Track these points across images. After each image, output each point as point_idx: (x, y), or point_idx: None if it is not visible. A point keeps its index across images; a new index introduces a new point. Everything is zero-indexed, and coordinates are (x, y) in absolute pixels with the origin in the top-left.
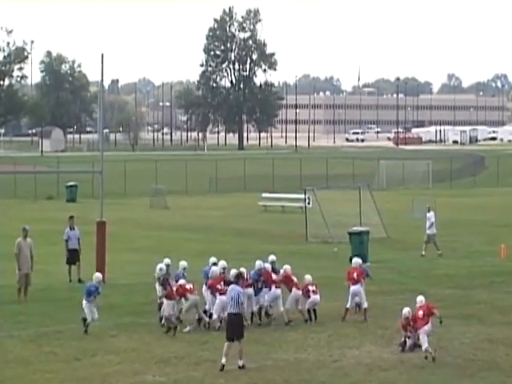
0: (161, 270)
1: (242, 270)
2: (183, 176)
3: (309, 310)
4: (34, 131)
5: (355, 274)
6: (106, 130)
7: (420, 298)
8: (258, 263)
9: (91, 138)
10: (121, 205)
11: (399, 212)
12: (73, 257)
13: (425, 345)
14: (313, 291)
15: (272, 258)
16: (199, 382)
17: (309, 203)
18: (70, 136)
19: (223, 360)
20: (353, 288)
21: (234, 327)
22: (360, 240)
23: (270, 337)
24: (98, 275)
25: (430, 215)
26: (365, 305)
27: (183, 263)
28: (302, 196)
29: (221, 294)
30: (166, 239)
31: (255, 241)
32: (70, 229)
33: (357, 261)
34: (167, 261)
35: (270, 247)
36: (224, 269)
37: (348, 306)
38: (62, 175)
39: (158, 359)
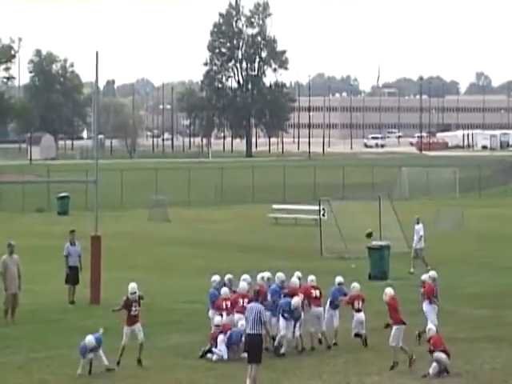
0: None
1: (230, 276)
2: (186, 186)
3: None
4: (22, 137)
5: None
6: (101, 136)
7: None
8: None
9: (85, 144)
10: (117, 217)
11: (423, 224)
12: (74, 275)
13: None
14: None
15: (298, 274)
16: None
17: (324, 215)
18: (61, 142)
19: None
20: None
21: (254, 349)
22: (380, 255)
23: (282, 362)
24: (100, 332)
25: (419, 228)
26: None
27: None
28: (317, 207)
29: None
30: (167, 255)
31: (265, 257)
32: (71, 244)
33: (355, 285)
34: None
35: (281, 264)
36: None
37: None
38: (52, 185)
39: None
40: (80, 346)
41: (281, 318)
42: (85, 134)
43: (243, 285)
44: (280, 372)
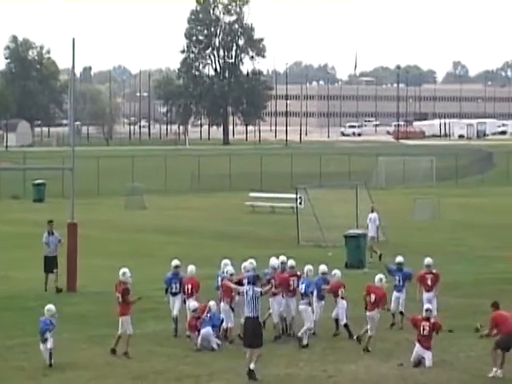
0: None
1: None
2: (162, 173)
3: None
4: None
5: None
6: (78, 123)
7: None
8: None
9: (61, 131)
10: (93, 205)
11: (399, 213)
12: (50, 264)
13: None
14: None
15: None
16: None
17: (300, 203)
18: (37, 129)
19: (251, 365)
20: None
21: (252, 333)
22: (356, 244)
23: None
24: (51, 307)
25: (374, 216)
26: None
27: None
28: (293, 195)
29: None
30: (143, 243)
31: (242, 245)
32: (49, 234)
33: (336, 273)
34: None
35: (258, 252)
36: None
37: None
38: (28, 172)
39: (134, 375)
40: (40, 322)
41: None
42: (61, 121)
43: (190, 269)
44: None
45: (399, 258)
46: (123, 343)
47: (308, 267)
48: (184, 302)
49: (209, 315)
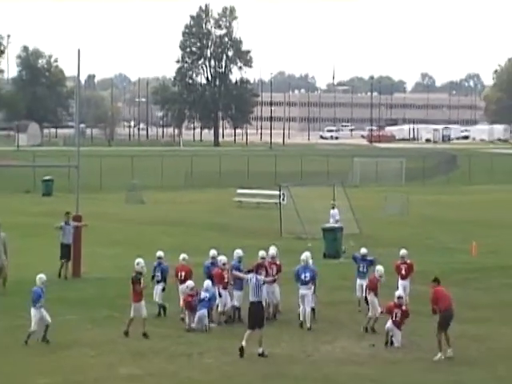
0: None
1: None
2: (159, 171)
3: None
4: (10, 125)
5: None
6: (83, 125)
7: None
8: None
9: (67, 132)
10: (97, 199)
11: (372, 208)
12: (65, 252)
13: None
14: None
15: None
16: (174, 374)
17: (283, 199)
18: (46, 130)
19: (243, 343)
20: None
21: (256, 316)
22: (333, 236)
23: (244, 331)
24: (42, 276)
25: (335, 212)
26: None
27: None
28: (277, 192)
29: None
30: (142, 233)
31: (230, 236)
32: (66, 224)
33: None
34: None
35: (244, 242)
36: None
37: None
38: (38, 169)
39: (133, 352)
40: (32, 292)
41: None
42: (68, 124)
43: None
44: (238, 338)
45: (363, 250)
46: (140, 325)
47: (306, 254)
48: (177, 288)
49: (207, 295)
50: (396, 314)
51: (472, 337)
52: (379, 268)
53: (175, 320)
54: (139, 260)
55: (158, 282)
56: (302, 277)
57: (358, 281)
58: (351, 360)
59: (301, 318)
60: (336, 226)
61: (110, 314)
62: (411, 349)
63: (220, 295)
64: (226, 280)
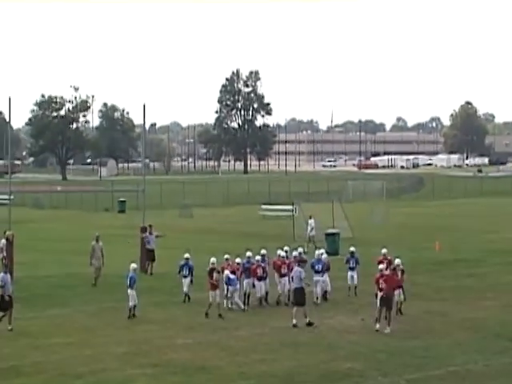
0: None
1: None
2: (204, 193)
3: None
4: (94, 161)
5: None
6: (147, 160)
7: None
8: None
9: (136, 166)
10: (158, 215)
11: (361, 218)
12: (151, 255)
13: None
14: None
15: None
16: (216, 343)
17: (296, 212)
18: (120, 165)
19: (294, 321)
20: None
21: (299, 297)
22: (333, 239)
23: (268, 310)
24: (134, 265)
25: (311, 222)
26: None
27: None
28: (291, 207)
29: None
30: (192, 239)
31: (256, 240)
32: (149, 234)
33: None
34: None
35: (266, 244)
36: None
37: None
38: (115, 193)
39: (186, 327)
40: (128, 277)
41: None
42: (136, 159)
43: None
44: (266, 316)
45: (352, 248)
46: (216, 308)
47: (320, 251)
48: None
49: (232, 277)
50: (381, 283)
51: (436, 312)
52: (397, 261)
53: (214, 305)
54: (213, 259)
55: (185, 276)
56: (316, 267)
57: (350, 273)
58: (347, 331)
59: (314, 299)
60: (335, 231)
61: (169, 299)
62: (393, 322)
63: (254, 286)
64: (259, 274)
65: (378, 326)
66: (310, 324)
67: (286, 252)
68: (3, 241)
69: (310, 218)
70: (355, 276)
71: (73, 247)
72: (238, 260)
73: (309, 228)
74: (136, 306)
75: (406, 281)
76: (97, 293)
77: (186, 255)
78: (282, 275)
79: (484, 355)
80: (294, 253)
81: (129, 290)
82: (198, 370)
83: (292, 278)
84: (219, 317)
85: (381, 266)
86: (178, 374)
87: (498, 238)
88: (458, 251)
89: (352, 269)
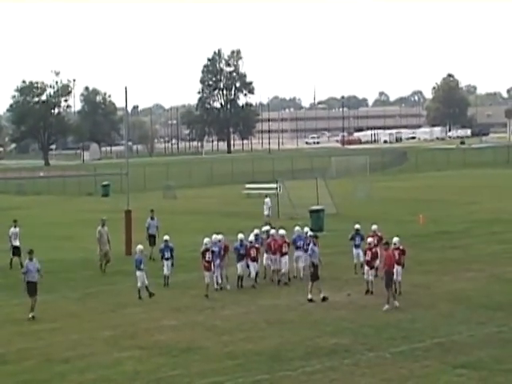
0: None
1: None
2: (187, 174)
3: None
4: (77, 146)
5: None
6: (130, 143)
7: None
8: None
9: (119, 149)
10: (142, 197)
11: (345, 194)
12: (152, 240)
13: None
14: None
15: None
16: (202, 323)
17: (280, 190)
18: (103, 148)
19: (309, 296)
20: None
21: (314, 273)
22: (317, 216)
23: (253, 289)
24: (140, 247)
25: (267, 201)
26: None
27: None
28: (275, 185)
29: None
30: (176, 221)
31: (241, 219)
32: (151, 219)
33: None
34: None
35: (251, 223)
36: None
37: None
38: (98, 177)
39: (172, 309)
40: (136, 260)
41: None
42: (119, 142)
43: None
44: (252, 295)
45: (357, 226)
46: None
47: (305, 229)
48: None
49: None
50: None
51: (421, 285)
52: (396, 239)
53: (200, 286)
54: (206, 240)
55: (167, 259)
56: (298, 243)
57: (355, 250)
58: (333, 307)
59: (295, 273)
60: (319, 208)
61: (153, 282)
62: (378, 296)
63: (248, 266)
64: (252, 255)
65: (386, 306)
66: (324, 299)
67: (267, 231)
68: (12, 229)
69: (266, 196)
70: (361, 253)
71: (57, 233)
72: (251, 238)
73: (265, 207)
74: (148, 286)
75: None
76: (81, 278)
77: (166, 237)
78: (282, 254)
79: (468, 326)
80: (256, 231)
81: (137, 272)
82: (184, 350)
83: (309, 254)
84: (206, 297)
85: (369, 240)
86: (165, 356)
87: (480, 208)
88: (441, 223)
89: (357, 246)
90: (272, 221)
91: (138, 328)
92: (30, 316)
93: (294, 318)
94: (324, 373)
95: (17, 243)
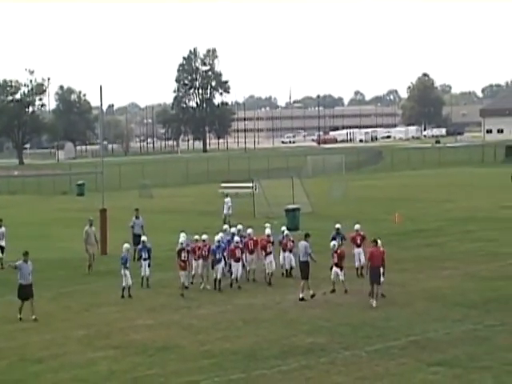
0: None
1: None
2: (163, 173)
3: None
4: (51, 145)
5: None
6: (105, 142)
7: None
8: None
9: (94, 148)
10: (117, 196)
11: (321, 193)
12: (137, 239)
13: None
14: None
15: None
16: (177, 322)
17: (256, 189)
18: (78, 147)
19: (300, 295)
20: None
21: (304, 271)
22: (293, 215)
23: (229, 288)
24: (127, 245)
25: (228, 200)
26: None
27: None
28: (251, 184)
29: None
30: (152, 220)
31: (217, 218)
32: (136, 218)
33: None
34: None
35: (227, 222)
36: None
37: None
38: (73, 176)
39: (147, 308)
40: (122, 258)
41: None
42: (94, 141)
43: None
44: (228, 294)
45: (337, 225)
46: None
47: (238, 227)
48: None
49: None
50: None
51: (396, 283)
52: (357, 226)
53: (175, 285)
54: (182, 239)
55: (145, 259)
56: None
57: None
58: (309, 306)
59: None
60: (295, 207)
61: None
62: (353, 294)
63: (230, 266)
64: (237, 255)
65: (374, 302)
66: (313, 296)
67: (239, 231)
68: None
69: (227, 196)
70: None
71: (31, 232)
72: (204, 237)
73: (225, 207)
74: (130, 287)
75: (366, 253)
76: (57, 278)
77: (143, 238)
78: (267, 253)
79: (444, 324)
80: (233, 229)
81: (122, 271)
82: (159, 349)
83: (300, 252)
84: (181, 296)
85: (333, 243)
86: (140, 355)
87: (455, 206)
88: (417, 222)
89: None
90: (248, 220)
91: (112, 327)
92: (33, 317)
93: (270, 316)
94: (300, 371)
95: (2, 243)
